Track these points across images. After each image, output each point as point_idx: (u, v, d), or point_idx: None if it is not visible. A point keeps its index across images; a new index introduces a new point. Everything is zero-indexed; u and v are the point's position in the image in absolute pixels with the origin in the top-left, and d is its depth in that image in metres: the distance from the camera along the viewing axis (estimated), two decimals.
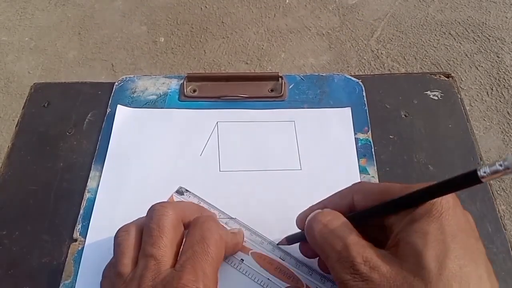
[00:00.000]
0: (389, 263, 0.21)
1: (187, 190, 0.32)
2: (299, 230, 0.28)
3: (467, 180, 0.19)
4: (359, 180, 0.33)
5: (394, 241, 0.22)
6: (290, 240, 0.29)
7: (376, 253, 0.22)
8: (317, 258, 0.28)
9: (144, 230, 0.25)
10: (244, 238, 0.30)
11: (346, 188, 0.27)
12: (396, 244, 0.22)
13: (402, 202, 0.23)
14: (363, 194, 0.25)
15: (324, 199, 0.27)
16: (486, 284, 0.20)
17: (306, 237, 0.25)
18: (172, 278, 0.23)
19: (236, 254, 0.29)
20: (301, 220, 0.27)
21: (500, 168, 0.17)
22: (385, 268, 0.21)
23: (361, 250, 0.22)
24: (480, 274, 0.20)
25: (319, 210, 0.26)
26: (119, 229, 0.27)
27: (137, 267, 0.24)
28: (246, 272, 0.29)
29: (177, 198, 0.32)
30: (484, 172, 0.18)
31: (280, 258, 0.29)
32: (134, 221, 0.27)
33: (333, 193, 0.27)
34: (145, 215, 0.26)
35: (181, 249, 0.25)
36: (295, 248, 0.29)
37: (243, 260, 0.29)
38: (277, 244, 0.30)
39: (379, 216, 0.24)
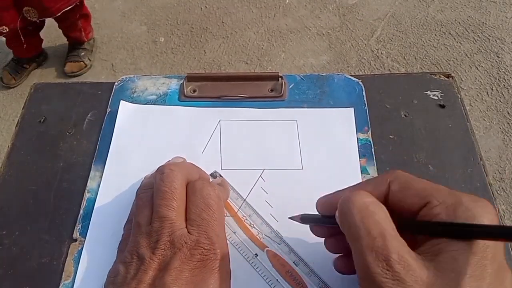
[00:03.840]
0: (425, 269, 0.20)
1: (220, 175, 0.34)
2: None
3: None
4: (360, 181, 0.33)
5: (433, 249, 0.21)
6: (304, 219, 0.28)
7: (411, 254, 0.20)
8: (336, 259, 0.28)
9: (156, 193, 0.27)
10: (263, 235, 0.31)
11: (380, 176, 0.25)
12: (435, 253, 0.21)
13: (455, 231, 0.21)
14: (400, 186, 0.24)
15: (354, 185, 0.26)
16: None
17: (338, 215, 0.24)
18: (191, 241, 0.25)
19: (251, 247, 0.30)
20: (323, 204, 0.27)
21: None
22: (421, 273, 0.20)
23: (398, 247, 0.20)
24: None
25: (362, 191, 0.24)
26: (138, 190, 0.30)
27: (152, 227, 0.26)
28: (257, 268, 0.29)
29: (211, 179, 0.33)
30: None
31: (293, 262, 0.29)
32: (147, 181, 0.30)
33: (364, 180, 0.26)
34: None
35: (188, 216, 0.27)
36: (310, 256, 0.29)
37: (257, 255, 0.30)
38: (289, 218, 0.29)
39: (423, 233, 0.22)
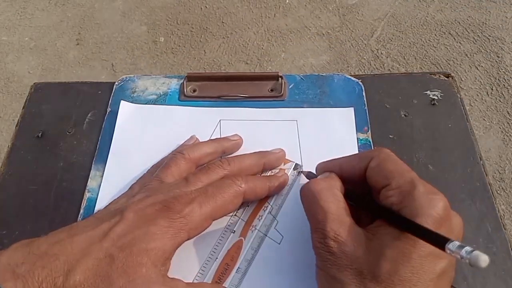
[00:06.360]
0: (357, 245, 0.24)
1: (301, 166, 0.34)
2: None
3: (437, 241, 0.21)
4: None
5: (375, 228, 0.25)
6: (308, 176, 0.32)
7: (350, 231, 0.24)
8: None
9: (161, 166, 0.32)
10: (256, 228, 0.31)
11: (368, 150, 0.29)
12: (374, 232, 0.24)
13: (390, 217, 0.24)
14: (377, 163, 0.26)
15: (344, 157, 0.29)
16: None
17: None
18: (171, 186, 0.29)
19: (237, 225, 0.31)
20: (321, 169, 0.30)
21: (463, 255, 0.19)
22: (352, 248, 0.24)
23: (336, 227, 0.24)
24: None
25: (317, 178, 0.29)
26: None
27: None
28: (219, 237, 0.31)
29: (292, 172, 0.34)
30: (451, 247, 0.20)
31: (238, 267, 0.30)
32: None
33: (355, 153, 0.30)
34: None
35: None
36: (295, 256, 0.30)
37: (234, 232, 0.31)
38: (300, 171, 0.33)
39: (370, 211, 0.27)
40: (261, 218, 0.31)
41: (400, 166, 0.26)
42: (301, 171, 0.33)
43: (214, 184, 0.29)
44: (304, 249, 0.29)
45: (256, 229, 0.31)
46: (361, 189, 0.28)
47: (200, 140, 0.36)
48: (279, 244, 0.30)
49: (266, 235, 0.31)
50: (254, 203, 0.32)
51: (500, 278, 0.29)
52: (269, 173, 0.33)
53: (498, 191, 1.08)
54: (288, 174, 0.33)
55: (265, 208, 0.32)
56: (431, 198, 0.23)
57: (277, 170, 0.34)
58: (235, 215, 0.32)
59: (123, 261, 0.24)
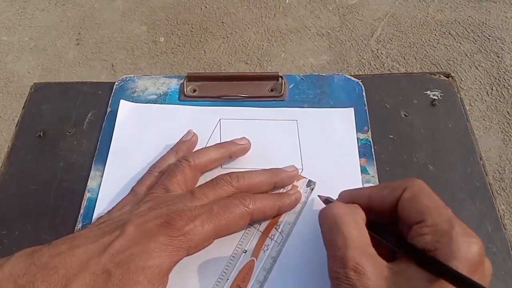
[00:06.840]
0: (383, 280, 0.22)
1: (314, 183, 0.33)
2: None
3: None
4: (360, 181, 0.33)
5: (402, 264, 0.23)
6: (326, 202, 0.30)
7: (373, 263, 0.22)
8: None
9: (166, 173, 0.31)
10: (268, 248, 0.30)
11: (400, 180, 0.26)
12: (402, 270, 0.22)
13: (425, 263, 0.22)
14: (411, 195, 0.25)
15: (373, 186, 0.28)
16: None
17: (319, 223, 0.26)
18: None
19: (250, 244, 0.30)
20: (344, 197, 0.29)
21: None
22: (375, 281, 0.21)
23: (357, 256, 0.22)
24: None
25: (338, 202, 0.27)
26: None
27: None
28: (228, 261, 0.30)
29: (305, 189, 0.33)
30: None
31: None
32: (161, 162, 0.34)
33: (385, 182, 0.28)
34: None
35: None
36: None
37: (245, 251, 0.30)
38: (318, 195, 0.31)
39: (396, 247, 0.24)
40: (274, 237, 0.30)
41: (436, 201, 0.24)
42: (319, 196, 0.31)
43: (220, 203, 0.28)
44: (317, 269, 0.28)
45: (268, 249, 0.30)
46: (388, 222, 0.26)
47: (199, 138, 0.36)
48: (292, 265, 0.29)
49: (278, 255, 0.30)
50: (266, 221, 0.31)
51: (500, 278, 0.29)
52: (281, 190, 0.32)
53: (498, 191, 1.08)
54: (301, 192, 0.32)
55: (277, 227, 0.31)
56: (468, 241, 0.22)
57: (289, 187, 0.33)
58: (246, 233, 0.31)
59: (119, 278, 0.24)
